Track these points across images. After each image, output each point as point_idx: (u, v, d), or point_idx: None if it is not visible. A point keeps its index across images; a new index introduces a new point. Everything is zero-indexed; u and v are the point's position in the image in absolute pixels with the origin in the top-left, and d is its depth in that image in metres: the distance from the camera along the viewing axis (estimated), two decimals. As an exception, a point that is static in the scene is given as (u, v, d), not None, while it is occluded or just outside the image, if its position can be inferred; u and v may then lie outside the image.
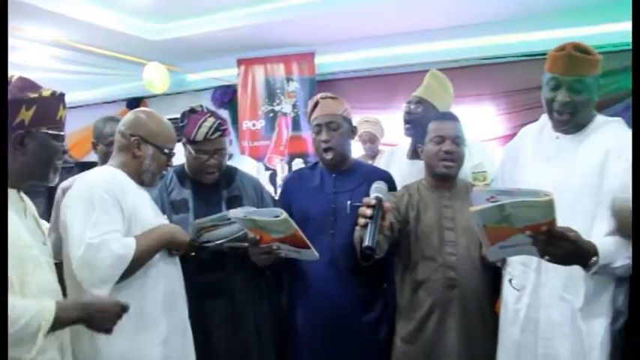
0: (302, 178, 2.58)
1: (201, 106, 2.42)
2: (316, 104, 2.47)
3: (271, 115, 6.06)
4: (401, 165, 2.88)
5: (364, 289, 2.38)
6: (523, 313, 2.03)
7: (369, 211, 1.76)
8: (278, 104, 6.05)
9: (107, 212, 1.86)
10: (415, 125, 2.69)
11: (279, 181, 4.32)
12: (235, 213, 2.08)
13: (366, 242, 1.70)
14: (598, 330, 1.88)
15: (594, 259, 1.68)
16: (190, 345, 2.13)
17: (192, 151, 2.34)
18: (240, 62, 6.14)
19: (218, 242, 2.17)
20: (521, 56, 5.37)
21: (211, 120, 2.32)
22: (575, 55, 1.95)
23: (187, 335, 2.13)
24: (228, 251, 2.25)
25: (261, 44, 5.80)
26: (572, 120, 2.00)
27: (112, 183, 1.93)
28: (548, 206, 1.48)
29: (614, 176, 1.87)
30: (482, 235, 1.63)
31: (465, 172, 2.60)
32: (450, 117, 2.35)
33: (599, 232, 1.81)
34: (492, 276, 2.22)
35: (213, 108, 5.54)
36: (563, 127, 2.04)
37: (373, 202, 1.79)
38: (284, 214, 1.98)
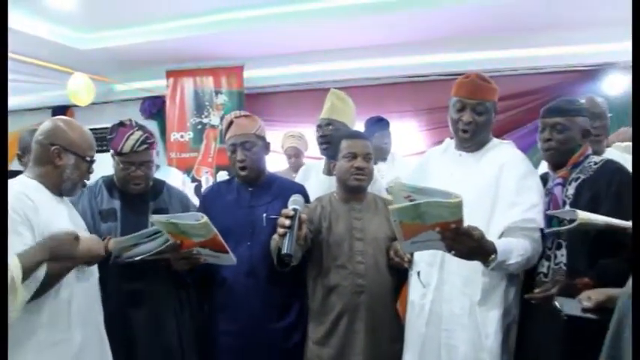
0: (220, 192, 2.66)
1: (130, 120, 2.49)
2: (230, 123, 2.56)
3: (199, 127, 6.09)
4: (318, 180, 3.00)
5: (281, 296, 2.49)
6: (428, 307, 2.24)
7: (287, 222, 1.95)
8: (206, 116, 6.10)
9: (17, 232, 1.77)
10: (330, 145, 2.79)
11: (204, 192, 4.37)
12: (158, 218, 2.14)
13: (285, 250, 1.88)
14: (492, 320, 2.13)
15: (493, 256, 1.90)
16: (107, 352, 2.13)
17: (120, 163, 2.42)
18: (169, 74, 6.16)
19: (138, 258, 2.23)
20: (442, 76, 5.65)
21: (138, 133, 2.41)
22: (478, 82, 2.26)
23: (104, 343, 2.12)
24: (150, 262, 2.30)
25: (191, 57, 5.85)
26: (474, 138, 2.28)
27: (22, 200, 1.83)
28: (457, 207, 1.66)
29: (505, 186, 2.16)
30: (398, 230, 1.78)
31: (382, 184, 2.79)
32: (361, 135, 2.54)
33: (494, 233, 2.06)
34: (397, 279, 2.41)
35: (141, 119, 5.56)
36: (466, 144, 2.31)
37: (291, 213, 1.98)
38: (205, 218, 2.07)
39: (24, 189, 1.89)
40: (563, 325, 1.91)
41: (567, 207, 2.16)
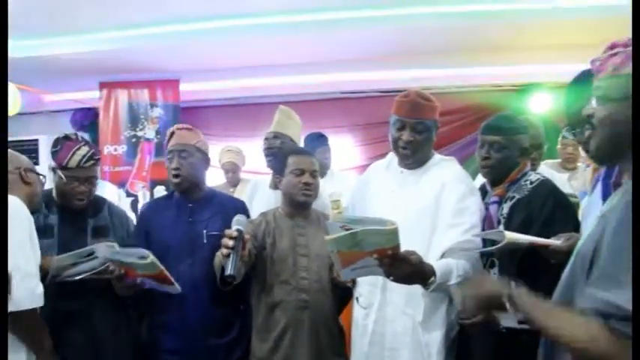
0: (158, 208, 2.64)
1: (75, 134, 2.48)
2: (172, 134, 2.57)
3: (134, 140, 5.97)
4: (265, 195, 3.05)
5: (223, 313, 2.48)
6: (371, 327, 2.25)
7: (231, 242, 1.94)
8: (141, 129, 5.98)
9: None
10: (276, 157, 2.86)
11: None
12: (103, 253, 2.14)
13: (229, 271, 1.89)
14: (435, 340, 2.16)
15: (433, 278, 1.90)
16: None
17: (64, 177, 2.35)
18: (102, 85, 6.01)
19: (77, 278, 2.18)
20: (377, 92, 5.78)
21: (85, 148, 2.37)
22: (417, 101, 2.25)
23: None
24: (88, 281, 2.25)
25: (126, 68, 5.71)
26: (414, 156, 2.29)
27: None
28: (393, 234, 1.67)
29: (445, 207, 2.19)
30: (336, 259, 1.79)
31: (326, 199, 2.83)
32: (308, 152, 2.58)
33: (435, 254, 2.09)
34: (342, 295, 2.43)
35: (72, 131, 5.36)
36: (407, 162, 2.32)
37: (235, 234, 1.97)
38: (150, 257, 2.06)
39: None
40: (497, 339, 1.98)
41: (501, 226, 2.22)
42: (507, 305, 1.36)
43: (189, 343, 2.40)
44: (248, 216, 2.53)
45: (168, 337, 2.44)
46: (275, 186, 2.84)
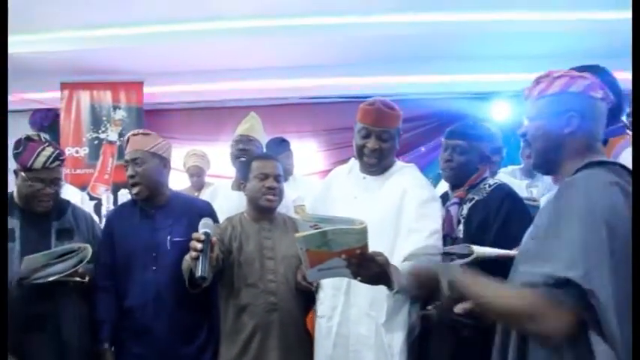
0: (123, 215, 2.60)
1: (38, 134, 2.42)
2: (128, 141, 2.55)
3: (96, 142, 5.89)
4: (226, 196, 3.07)
5: (189, 319, 2.48)
6: (335, 330, 2.29)
7: (199, 245, 1.96)
8: (104, 132, 5.91)
9: None
10: (247, 158, 2.91)
11: (104, 211, 4.21)
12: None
13: (199, 273, 1.91)
14: (397, 341, 2.21)
15: None
16: None
17: (28, 179, 2.31)
18: (64, 86, 5.91)
19: (49, 280, 2.15)
20: (340, 98, 5.84)
21: (50, 149, 2.33)
22: (383, 110, 2.30)
23: None
24: (57, 284, 2.23)
25: (88, 69, 5.64)
26: (379, 164, 2.34)
27: None
28: (363, 233, 1.68)
29: (408, 213, 2.24)
30: (305, 258, 1.77)
31: (289, 204, 2.85)
32: (272, 157, 2.61)
33: (398, 258, 2.10)
34: (309, 297, 2.45)
35: (31, 132, 5.25)
36: (371, 169, 2.37)
37: (202, 237, 1.99)
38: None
39: None
40: (456, 339, 2.05)
41: (461, 226, 2.31)
42: (444, 289, 1.45)
43: (157, 351, 2.39)
44: (214, 217, 2.54)
45: (136, 345, 2.42)
46: (238, 187, 2.87)
